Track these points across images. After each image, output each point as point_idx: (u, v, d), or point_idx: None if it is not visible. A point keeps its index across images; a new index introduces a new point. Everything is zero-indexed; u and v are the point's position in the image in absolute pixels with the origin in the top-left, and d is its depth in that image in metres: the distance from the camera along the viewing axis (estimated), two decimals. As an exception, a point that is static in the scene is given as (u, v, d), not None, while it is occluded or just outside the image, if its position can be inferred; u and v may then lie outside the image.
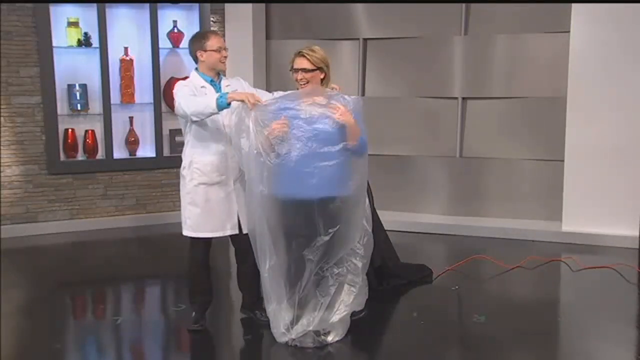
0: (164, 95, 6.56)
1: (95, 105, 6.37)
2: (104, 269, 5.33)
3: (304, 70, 3.70)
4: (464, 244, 5.90)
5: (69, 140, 6.28)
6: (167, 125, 6.62)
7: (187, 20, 6.62)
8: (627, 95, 5.63)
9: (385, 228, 4.71)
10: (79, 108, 6.30)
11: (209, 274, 4.01)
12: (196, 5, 6.55)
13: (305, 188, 3.56)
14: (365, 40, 6.76)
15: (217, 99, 3.58)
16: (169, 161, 6.60)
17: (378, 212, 4.58)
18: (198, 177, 3.82)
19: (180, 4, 6.54)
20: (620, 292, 4.67)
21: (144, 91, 6.51)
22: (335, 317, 3.72)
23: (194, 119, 3.70)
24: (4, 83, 6.04)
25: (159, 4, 6.39)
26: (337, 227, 3.60)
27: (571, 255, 5.39)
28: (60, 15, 6.18)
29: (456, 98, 6.48)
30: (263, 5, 6.88)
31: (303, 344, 3.66)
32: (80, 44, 6.22)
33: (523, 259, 5.27)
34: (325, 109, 3.59)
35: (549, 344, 3.86)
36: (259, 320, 4.02)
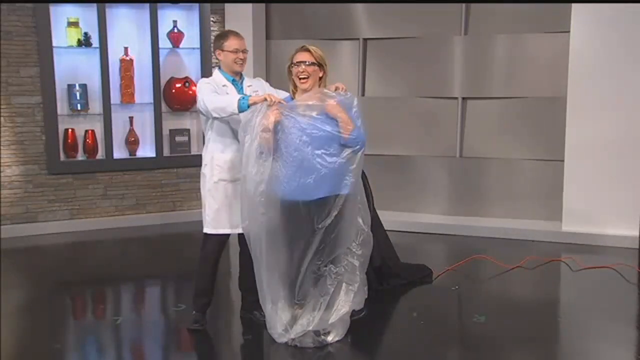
0: (164, 95, 6.56)
1: (95, 105, 6.37)
2: (104, 269, 5.33)
3: (305, 63, 3.67)
4: (464, 244, 5.90)
5: (69, 140, 6.28)
6: (167, 125, 6.62)
7: (187, 20, 6.62)
8: (627, 95, 5.64)
9: (385, 228, 4.72)
10: (79, 108, 6.31)
11: (215, 273, 4.03)
12: (196, 5, 6.55)
13: (303, 189, 3.57)
14: (365, 40, 6.76)
15: (240, 101, 3.60)
16: (169, 161, 6.61)
17: (378, 212, 4.59)
18: (218, 173, 3.86)
19: (180, 4, 6.54)
20: (620, 292, 4.67)
21: (144, 91, 6.51)
22: (335, 317, 3.72)
23: (215, 115, 3.72)
24: (4, 83, 6.04)
25: (159, 4, 6.39)
26: (334, 226, 3.61)
27: (571, 255, 5.39)
28: (60, 15, 6.18)
29: (456, 98, 6.48)
30: (263, 5, 6.89)
31: (303, 344, 3.67)
32: (80, 44, 6.22)
33: (523, 259, 5.27)
34: (322, 107, 3.59)
35: (549, 344, 3.85)
36: (259, 320, 4.01)
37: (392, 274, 4.68)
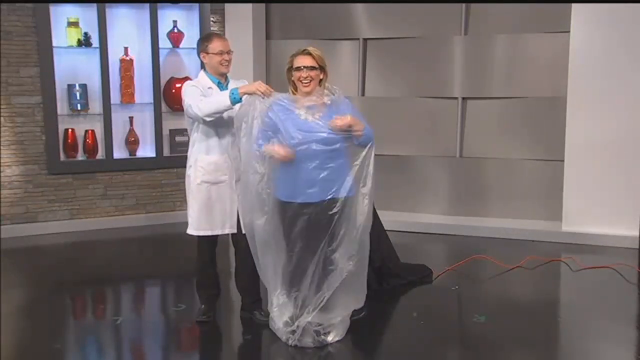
0: (164, 95, 6.56)
1: (95, 105, 6.37)
2: (104, 269, 5.33)
3: (308, 67, 3.63)
4: (464, 244, 5.90)
5: (69, 140, 6.28)
6: (167, 125, 6.62)
7: (187, 20, 6.61)
8: (627, 95, 5.64)
9: (385, 228, 4.72)
10: (79, 108, 6.30)
11: (214, 269, 4.10)
12: (196, 5, 6.55)
13: (306, 191, 3.58)
14: (365, 40, 6.76)
15: (230, 95, 3.64)
16: (169, 161, 6.60)
17: (378, 212, 4.58)
18: (202, 175, 3.88)
19: (180, 4, 6.53)
20: (620, 292, 4.67)
21: (144, 91, 6.51)
22: (335, 317, 3.73)
23: (208, 119, 3.74)
24: (4, 83, 6.04)
25: (159, 4, 6.39)
26: (338, 227, 3.62)
27: (571, 255, 5.39)
28: (60, 15, 6.18)
29: (456, 98, 6.48)
30: (263, 5, 6.88)
31: (303, 343, 3.67)
32: (80, 44, 6.22)
33: (523, 259, 5.27)
34: (323, 109, 3.59)
35: (549, 344, 3.86)
36: (259, 320, 4.02)
37: (392, 274, 4.68)
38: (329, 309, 3.70)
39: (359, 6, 6.69)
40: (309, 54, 3.65)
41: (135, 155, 6.55)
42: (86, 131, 6.34)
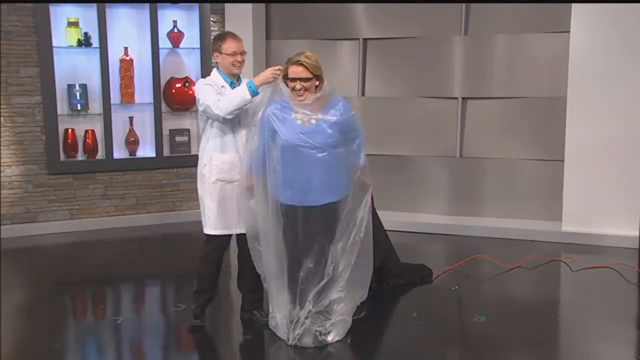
0: (164, 95, 6.56)
1: (95, 105, 6.37)
2: (104, 269, 5.33)
3: (302, 79, 3.60)
4: (464, 244, 5.90)
5: (69, 140, 6.28)
6: (167, 125, 6.62)
7: (187, 20, 6.61)
8: (627, 95, 5.63)
9: (385, 228, 4.72)
10: (79, 108, 6.30)
11: (217, 273, 4.03)
12: (196, 5, 6.55)
13: (303, 195, 3.61)
14: (365, 40, 6.76)
15: (250, 89, 3.67)
16: (169, 161, 6.60)
17: (378, 212, 4.59)
18: (217, 174, 3.86)
19: (180, 4, 6.53)
20: (620, 292, 4.67)
21: (144, 91, 6.51)
22: (336, 317, 3.73)
23: (229, 117, 3.74)
24: (4, 83, 6.04)
25: (159, 4, 6.39)
26: (337, 229, 3.64)
27: (571, 255, 5.38)
28: (60, 15, 6.18)
29: (456, 98, 6.48)
30: (263, 5, 6.88)
31: (303, 343, 3.67)
32: (80, 44, 6.22)
33: (523, 259, 5.27)
34: (322, 114, 3.61)
35: (549, 344, 3.85)
36: (259, 320, 4.02)
37: (392, 274, 4.68)
38: (329, 309, 3.71)
39: (359, 6, 6.69)
40: (301, 64, 3.60)
41: (135, 155, 6.54)
42: (86, 131, 6.34)
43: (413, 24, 6.55)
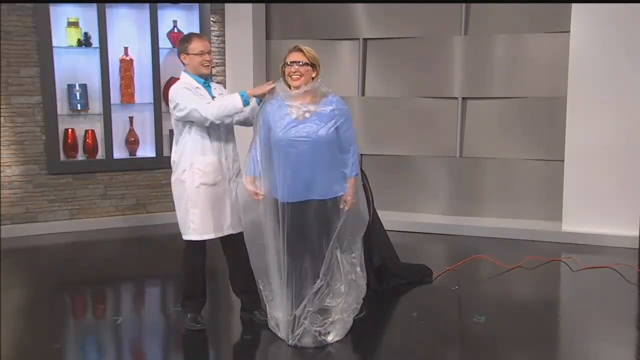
0: (164, 95, 6.56)
1: (95, 105, 6.37)
2: (104, 269, 5.33)
3: (299, 63, 3.65)
4: (464, 244, 5.90)
5: (69, 140, 6.28)
6: (167, 125, 6.60)
7: (187, 20, 6.62)
8: (627, 95, 5.64)
9: (385, 228, 4.72)
10: (79, 108, 6.31)
11: (205, 276, 4.02)
12: (196, 5, 6.55)
13: (297, 191, 3.60)
14: (365, 40, 6.76)
15: (242, 98, 3.68)
16: (169, 161, 6.53)
17: (378, 212, 4.59)
18: (199, 177, 3.81)
19: (180, 4, 6.54)
20: (620, 292, 4.67)
21: (144, 91, 6.51)
22: (335, 316, 3.73)
23: (217, 122, 3.72)
24: (4, 83, 6.04)
25: (159, 4, 6.39)
26: (333, 225, 3.65)
27: (571, 255, 5.39)
28: (60, 15, 6.18)
29: (456, 98, 6.48)
30: (263, 5, 6.88)
31: (303, 343, 3.67)
32: (80, 44, 6.22)
33: (523, 259, 5.27)
34: (315, 107, 3.62)
35: (549, 344, 3.85)
36: (259, 321, 4.02)
37: (392, 274, 4.68)
38: (328, 309, 3.71)
39: (359, 6, 6.69)
40: (300, 50, 3.68)
41: (135, 155, 6.55)
42: (86, 131, 6.34)
43: (413, 24, 6.55)
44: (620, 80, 5.63)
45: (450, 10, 6.42)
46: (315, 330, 3.68)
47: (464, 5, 6.37)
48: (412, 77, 6.62)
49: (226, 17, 6.82)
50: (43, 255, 5.78)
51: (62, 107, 6.26)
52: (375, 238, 4.44)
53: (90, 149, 6.35)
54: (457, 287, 4.73)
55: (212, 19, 6.72)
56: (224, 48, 6.86)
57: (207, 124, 3.74)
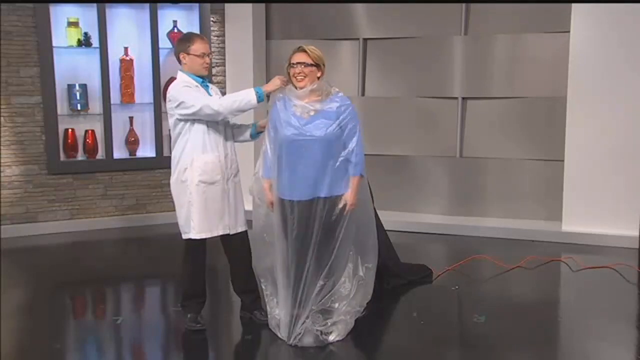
0: (163, 95, 6.55)
1: (95, 105, 6.37)
2: (103, 269, 5.33)
3: (303, 64, 3.66)
4: (464, 244, 5.90)
5: (69, 140, 6.28)
6: (167, 125, 6.55)
7: (187, 20, 6.61)
8: (627, 95, 5.64)
9: (385, 228, 4.72)
10: (79, 108, 6.31)
11: (205, 275, 4.02)
12: (196, 5, 6.55)
13: (301, 189, 3.61)
14: (365, 40, 6.76)
15: (257, 93, 3.68)
16: (169, 161, 6.51)
17: (378, 212, 4.59)
18: (199, 175, 3.80)
19: (180, 4, 6.54)
20: (620, 292, 4.67)
21: (144, 91, 6.51)
22: (337, 316, 3.73)
23: (229, 117, 3.73)
24: (4, 83, 6.04)
25: (159, 4, 6.39)
26: (336, 224, 3.65)
27: (571, 255, 5.39)
28: (60, 15, 6.18)
29: (456, 98, 6.48)
30: (263, 5, 6.89)
31: (303, 343, 3.67)
32: (80, 44, 6.22)
33: (523, 259, 5.27)
34: (321, 106, 3.63)
35: (549, 344, 3.86)
36: (259, 321, 4.02)
37: (392, 274, 4.68)
38: (331, 309, 3.71)
39: (359, 6, 6.69)
40: (304, 50, 3.69)
41: (135, 155, 6.55)
42: (86, 131, 6.34)
43: (413, 24, 6.55)
44: (620, 80, 5.63)
45: (450, 10, 6.42)
46: (317, 330, 3.68)
47: (464, 5, 6.37)
48: (412, 77, 6.62)
49: (226, 17, 6.82)
50: (43, 255, 5.78)
51: (62, 107, 6.26)
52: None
53: (90, 149, 6.35)
54: (457, 287, 4.73)
55: (212, 19, 6.72)
56: (224, 48, 6.86)
57: (219, 119, 3.74)
